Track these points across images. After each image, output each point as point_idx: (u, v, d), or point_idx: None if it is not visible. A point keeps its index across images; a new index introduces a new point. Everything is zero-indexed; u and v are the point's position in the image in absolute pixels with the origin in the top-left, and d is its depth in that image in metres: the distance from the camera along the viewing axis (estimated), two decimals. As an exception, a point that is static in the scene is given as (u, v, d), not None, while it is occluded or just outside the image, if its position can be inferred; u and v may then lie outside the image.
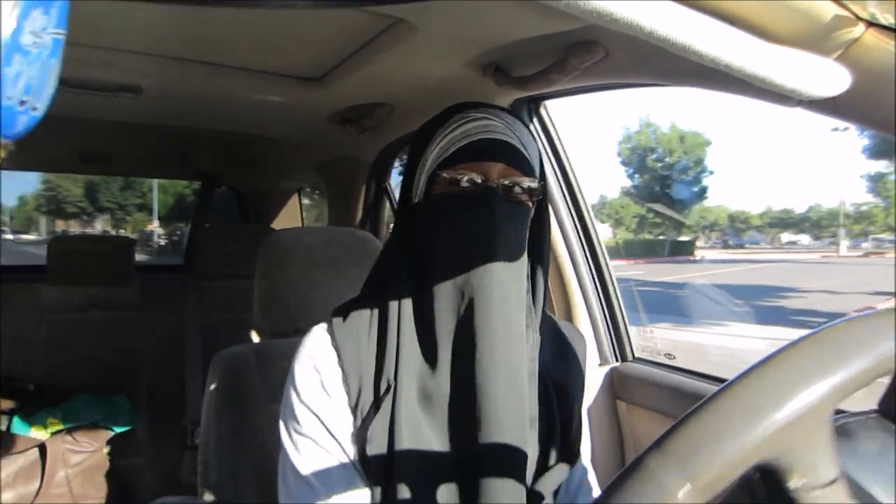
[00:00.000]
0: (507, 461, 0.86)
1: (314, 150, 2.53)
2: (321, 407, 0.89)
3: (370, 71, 1.49)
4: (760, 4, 0.59)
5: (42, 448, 2.32)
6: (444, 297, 0.89)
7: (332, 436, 0.88)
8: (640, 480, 0.40)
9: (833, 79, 0.64)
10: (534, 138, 0.98)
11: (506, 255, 0.89)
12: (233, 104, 1.97)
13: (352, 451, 0.88)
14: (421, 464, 0.85)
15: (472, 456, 0.85)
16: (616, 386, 1.64)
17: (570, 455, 0.95)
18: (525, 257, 0.93)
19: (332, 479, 0.87)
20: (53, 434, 2.42)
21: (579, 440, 0.98)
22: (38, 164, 3.33)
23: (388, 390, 0.88)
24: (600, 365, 1.68)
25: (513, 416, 0.86)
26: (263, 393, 1.25)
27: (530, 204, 0.94)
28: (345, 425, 0.89)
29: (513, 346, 0.88)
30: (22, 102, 0.38)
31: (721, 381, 1.42)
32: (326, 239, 1.41)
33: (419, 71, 1.46)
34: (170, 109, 2.07)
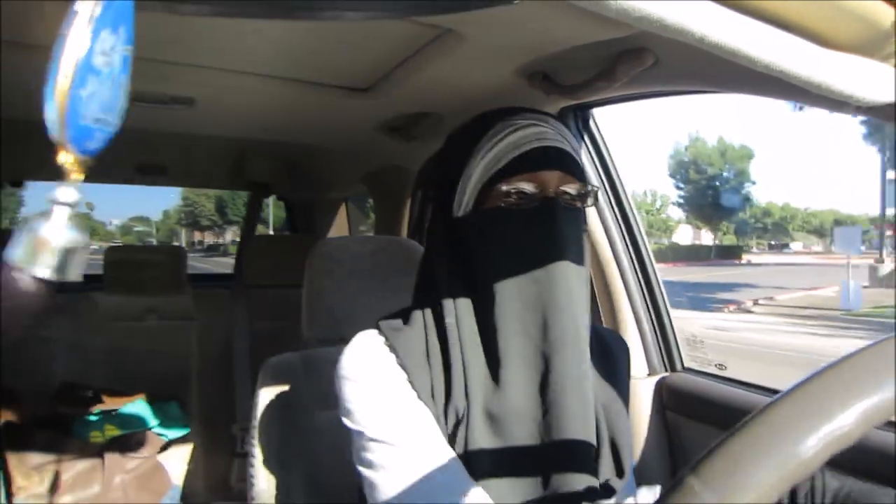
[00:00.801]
0: (584, 472, 0.85)
1: (361, 159, 2.55)
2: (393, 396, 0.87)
3: (417, 81, 1.50)
4: (817, 10, 0.57)
5: (100, 454, 2.38)
6: (512, 314, 0.87)
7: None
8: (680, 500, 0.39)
9: (890, 84, 0.63)
10: (578, 140, 0.97)
11: (573, 265, 0.87)
12: (282, 114, 1.99)
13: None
14: (495, 486, 0.83)
15: (549, 469, 0.84)
16: (665, 396, 1.61)
17: (619, 470, 0.92)
18: (582, 266, 0.91)
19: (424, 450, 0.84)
20: (111, 440, 2.47)
21: (628, 453, 0.95)
22: (95, 176, 3.41)
23: (459, 422, 0.86)
24: (648, 375, 1.65)
25: (584, 429, 0.85)
26: (311, 400, 1.26)
27: (583, 209, 0.93)
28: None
29: (581, 356, 0.86)
30: (97, 120, 0.40)
31: (776, 392, 1.39)
32: (373, 248, 1.42)
33: (466, 80, 1.46)
34: (222, 120, 2.10)
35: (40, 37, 1.32)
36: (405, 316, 0.96)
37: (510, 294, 0.88)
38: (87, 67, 0.38)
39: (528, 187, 0.88)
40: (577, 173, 0.91)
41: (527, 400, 0.86)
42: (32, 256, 0.40)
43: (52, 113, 0.38)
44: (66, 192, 0.41)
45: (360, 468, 0.87)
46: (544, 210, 0.88)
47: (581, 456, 0.85)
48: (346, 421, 0.89)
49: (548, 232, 0.87)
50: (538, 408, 0.85)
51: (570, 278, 0.87)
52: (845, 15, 0.58)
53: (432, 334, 0.91)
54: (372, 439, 0.85)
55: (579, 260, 0.89)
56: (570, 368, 0.85)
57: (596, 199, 0.95)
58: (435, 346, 0.90)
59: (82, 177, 0.41)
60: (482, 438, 0.85)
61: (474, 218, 0.92)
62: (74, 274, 0.41)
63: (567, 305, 0.86)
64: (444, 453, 0.83)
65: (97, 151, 0.41)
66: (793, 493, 0.84)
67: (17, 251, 0.40)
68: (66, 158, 0.40)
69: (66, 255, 0.41)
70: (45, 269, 0.40)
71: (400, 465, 0.82)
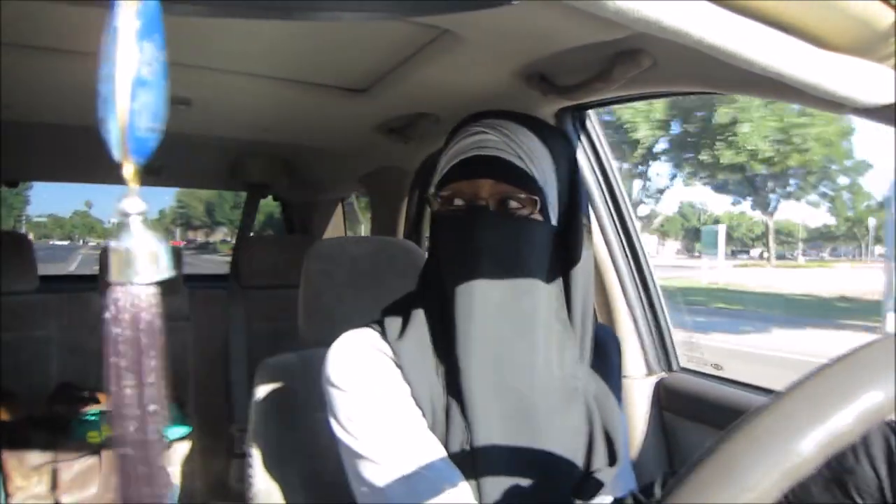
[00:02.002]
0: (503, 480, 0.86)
1: (359, 160, 2.54)
2: (381, 394, 0.88)
3: (415, 81, 1.50)
4: (814, 11, 0.58)
5: (98, 454, 2.37)
6: (455, 314, 0.89)
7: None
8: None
9: (888, 86, 0.63)
10: (544, 145, 0.94)
11: (500, 272, 0.88)
12: (280, 115, 1.99)
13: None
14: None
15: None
16: (662, 397, 1.62)
17: (612, 459, 0.94)
18: (532, 272, 0.91)
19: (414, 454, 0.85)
20: (108, 440, 2.46)
21: (621, 443, 0.96)
22: (92, 177, 3.39)
23: (447, 412, 0.88)
24: (646, 375, 1.65)
25: (503, 435, 0.87)
26: (309, 400, 1.25)
27: (539, 217, 0.92)
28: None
29: (513, 366, 0.88)
30: (149, 129, 0.41)
31: (772, 392, 1.39)
32: (370, 248, 1.42)
33: (464, 81, 1.46)
34: (218, 121, 2.10)
35: (40, 39, 1.32)
36: (403, 309, 0.97)
37: (451, 295, 0.90)
38: (137, 82, 0.39)
39: (462, 194, 0.91)
40: (518, 180, 0.90)
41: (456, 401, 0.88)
42: (129, 270, 0.42)
43: (115, 132, 0.39)
44: (134, 203, 0.42)
45: (351, 479, 0.88)
46: (468, 217, 0.90)
47: (501, 459, 0.86)
48: (335, 428, 0.90)
49: (469, 239, 0.89)
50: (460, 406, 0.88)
51: (486, 287, 0.88)
52: (843, 16, 0.58)
53: (423, 324, 0.93)
54: (362, 456, 0.86)
55: (517, 268, 0.90)
56: (478, 375, 0.86)
57: (574, 208, 0.95)
58: (425, 334, 0.92)
59: (139, 185, 0.43)
60: (462, 435, 0.87)
61: (431, 220, 0.97)
62: (170, 271, 0.43)
63: (480, 312, 0.87)
64: (437, 468, 0.84)
65: (148, 158, 0.42)
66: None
67: (114, 272, 0.41)
68: (127, 171, 0.42)
69: (158, 257, 0.42)
70: (147, 276, 0.42)
71: (389, 484, 0.83)
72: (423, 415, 0.89)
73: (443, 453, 0.86)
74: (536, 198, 0.91)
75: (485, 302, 0.87)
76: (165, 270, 0.42)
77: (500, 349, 0.87)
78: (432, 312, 0.93)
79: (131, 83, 0.38)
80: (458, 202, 0.91)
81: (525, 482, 0.86)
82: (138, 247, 0.42)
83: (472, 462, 0.85)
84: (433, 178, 0.96)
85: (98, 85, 0.39)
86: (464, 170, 0.90)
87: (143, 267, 0.42)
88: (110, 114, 0.38)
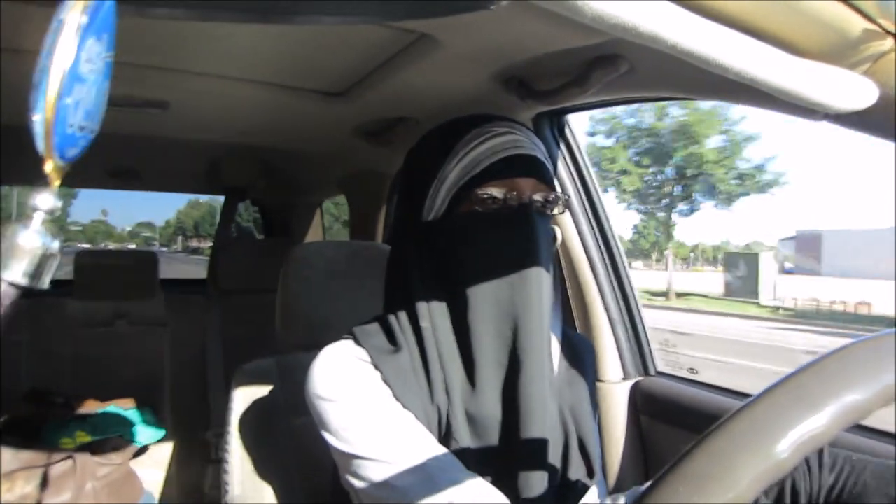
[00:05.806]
0: (547, 474, 0.86)
1: (337, 163, 2.54)
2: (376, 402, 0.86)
3: (393, 85, 1.50)
4: (787, 18, 0.58)
5: (71, 460, 2.34)
6: (486, 317, 0.88)
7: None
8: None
9: (860, 92, 0.64)
10: (554, 148, 0.99)
11: (543, 269, 0.89)
12: (257, 118, 1.98)
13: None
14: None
15: (515, 471, 0.85)
16: (638, 401, 1.62)
17: (590, 471, 0.93)
18: (550, 269, 0.93)
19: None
20: (82, 446, 2.43)
21: (595, 453, 0.96)
22: (66, 181, 3.35)
23: (442, 424, 0.86)
24: (623, 379, 1.66)
25: (548, 431, 0.87)
26: (286, 405, 1.25)
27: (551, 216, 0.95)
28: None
29: (547, 360, 0.88)
30: (81, 127, 0.41)
31: (747, 396, 1.40)
32: (348, 252, 1.41)
33: (442, 85, 1.46)
34: (196, 124, 2.08)
35: (40, 43, 1.30)
36: (379, 323, 0.95)
37: (484, 297, 0.89)
38: (73, 76, 0.38)
39: (503, 193, 0.90)
40: (550, 181, 0.94)
41: (497, 401, 0.87)
42: (5, 262, 0.39)
43: (40, 121, 0.38)
44: (45, 199, 0.41)
45: (356, 483, 0.84)
46: (520, 215, 0.90)
47: (544, 458, 0.86)
48: (330, 440, 0.87)
49: (523, 237, 0.89)
50: (510, 413, 0.86)
51: (541, 282, 0.89)
52: (814, 23, 0.59)
53: (410, 339, 0.91)
54: (366, 458, 0.83)
55: (548, 265, 0.92)
56: (537, 371, 0.86)
57: (565, 206, 0.97)
58: (414, 351, 0.90)
59: (58, 183, 0.42)
60: (465, 440, 0.86)
61: (449, 221, 0.93)
62: (45, 281, 0.41)
63: (538, 309, 0.88)
64: (441, 455, 0.83)
65: (76, 158, 0.42)
66: (794, 492, 0.87)
67: None
68: (48, 166, 0.40)
69: (40, 261, 0.40)
70: (17, 275, 0.40)
71: (400, 478, 0.81)
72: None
73: (443, 449, 0.84)
74: (560, 198, 0.94)
75: (541, 299, 0.88)
76: (39, 281, 0.40)
77: (546, 346, 0.89)
78: (436, 319, 0.90)
79: (66, 76, 0.38)
80: (501, 201, 0.90)
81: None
82: (24, 243, 0.40)
83: (508, 464, 0.86)
84: (438, 177, 0.94)
85: (34, 75, 0.38)
86: (505, 169, 0.90)
87: (17, 264, 0.40)
88: (38, 103, 0.38)
